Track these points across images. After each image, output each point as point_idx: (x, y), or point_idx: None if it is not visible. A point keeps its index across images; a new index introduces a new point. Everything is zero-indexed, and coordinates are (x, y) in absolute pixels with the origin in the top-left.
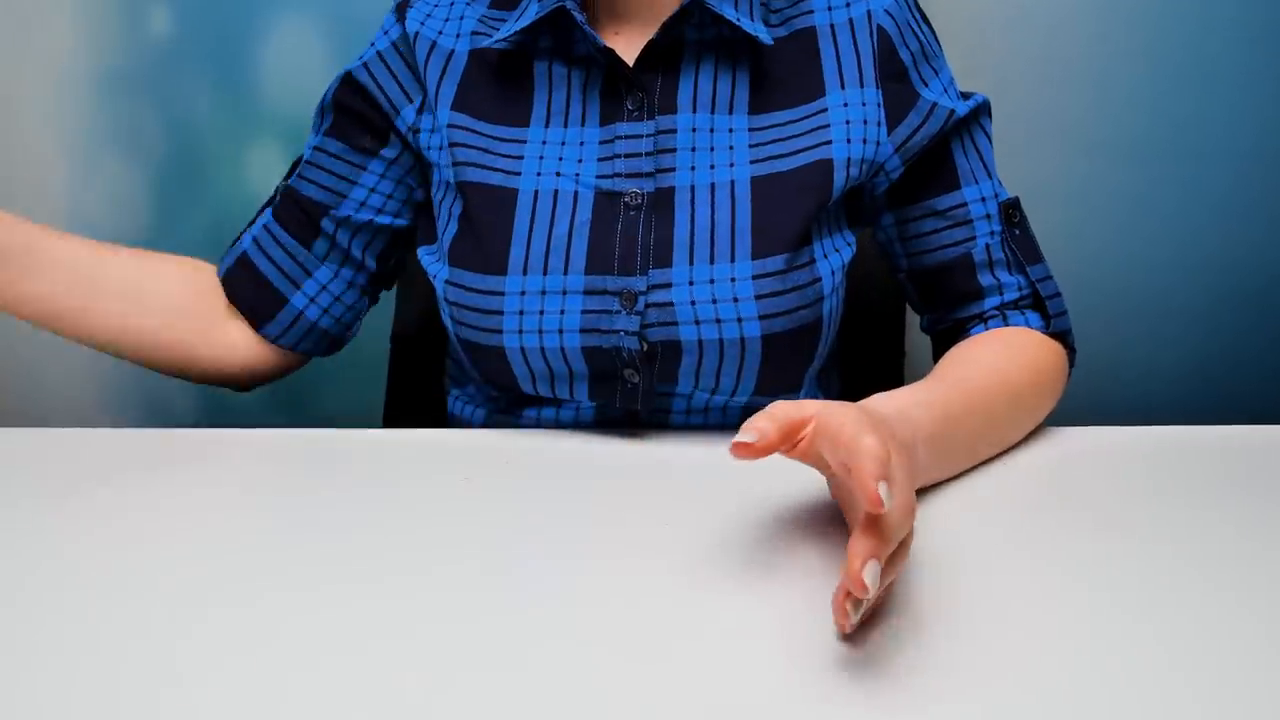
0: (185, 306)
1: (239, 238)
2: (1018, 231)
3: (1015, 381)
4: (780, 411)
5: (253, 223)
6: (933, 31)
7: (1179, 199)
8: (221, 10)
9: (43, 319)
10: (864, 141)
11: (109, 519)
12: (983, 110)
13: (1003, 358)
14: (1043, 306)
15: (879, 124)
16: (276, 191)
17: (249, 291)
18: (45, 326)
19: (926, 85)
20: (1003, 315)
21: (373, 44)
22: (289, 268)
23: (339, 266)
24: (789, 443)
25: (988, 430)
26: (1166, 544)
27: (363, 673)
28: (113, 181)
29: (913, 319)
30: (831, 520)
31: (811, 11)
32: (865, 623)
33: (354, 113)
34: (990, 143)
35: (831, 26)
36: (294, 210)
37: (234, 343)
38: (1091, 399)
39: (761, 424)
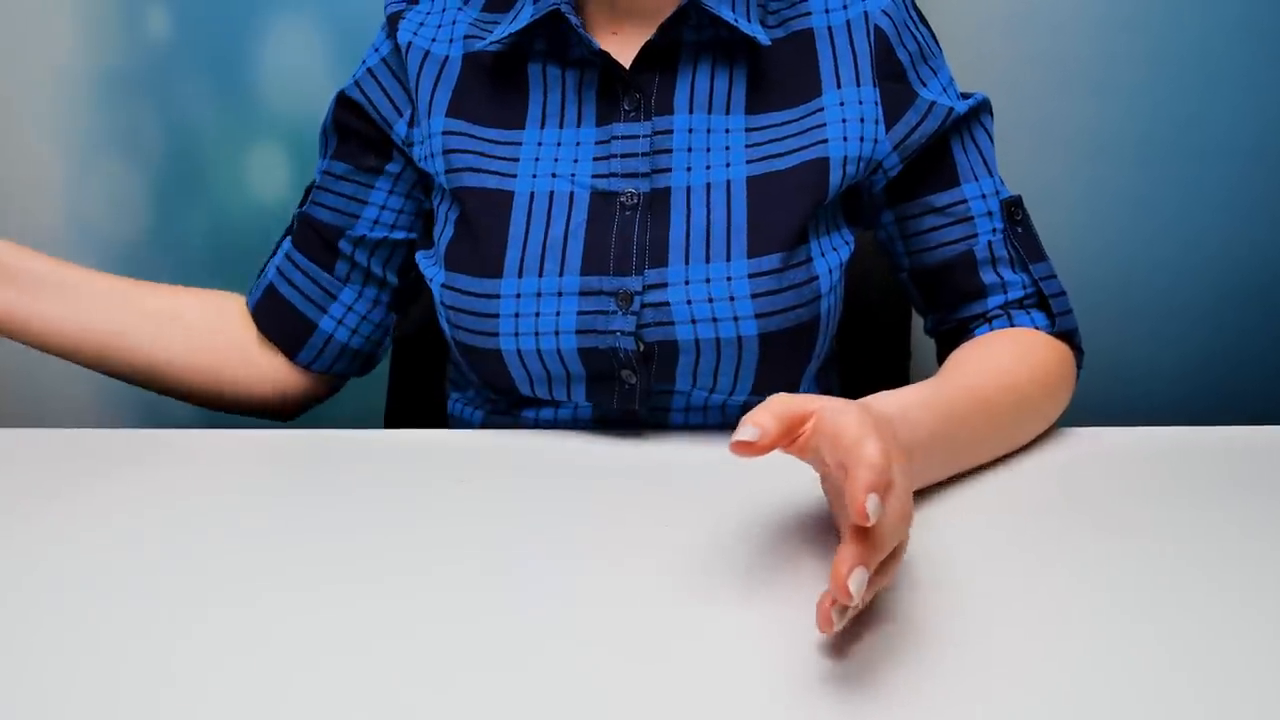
0: (217, 332)
1: (264, 269)
2: (1020, 229)
3: (1021, 382)
4: (780, 406)
5: (274, 253)
6: (931, 32)
7: (1181, 198)
8: (221, 11)
9: (78, 348)
10: (860, 140)
11: (109, 519)
12: (983, 108)
13: (1008, 358)
14: (1047, 306)
15: (876, 121)
16: (293, 219)
17: (278, 321)
18: (80, 359)
19: (925, 85)
20: (1007, 315)
21: (364, 61)
22: (313, 293)
23: (362, 286)
24: (789, 438)
25: (992, 432)
26: (1170, 545)
27: (363, 673)
28: (111, 182)
29: (918, 320)
30: (831, 522)
31: (809, 14)
32: (867, 622)
33: (354, 132)
34: (991, 141)
35: (829, 28)
36: (311, 236)
37: (266, 371)
38: (1093, 398)
39: (762, 418)
